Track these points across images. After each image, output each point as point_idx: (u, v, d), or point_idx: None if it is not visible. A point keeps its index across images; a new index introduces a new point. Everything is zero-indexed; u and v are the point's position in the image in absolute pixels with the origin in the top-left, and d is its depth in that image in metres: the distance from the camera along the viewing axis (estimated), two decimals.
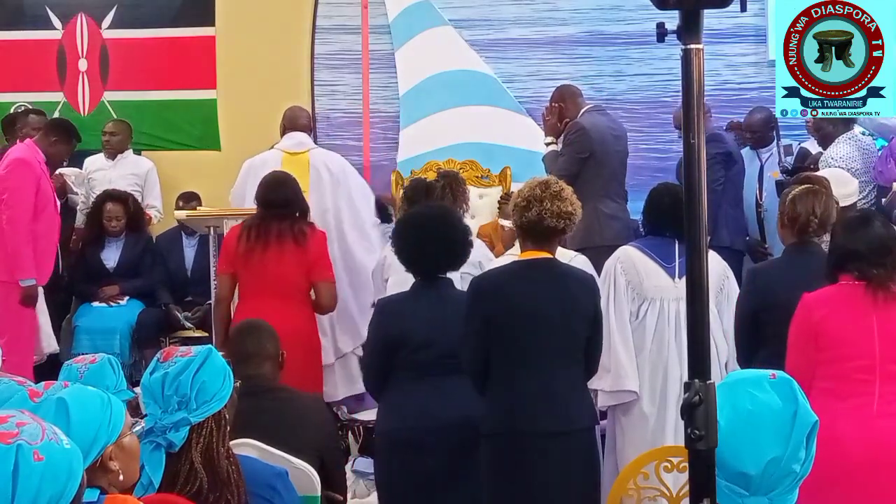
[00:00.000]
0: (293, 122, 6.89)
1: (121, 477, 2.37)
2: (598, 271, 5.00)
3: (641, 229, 5.34)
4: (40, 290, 6.71)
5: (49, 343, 6.91)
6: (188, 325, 7.51)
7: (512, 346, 4.12)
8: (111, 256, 7.68)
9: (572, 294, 4.20)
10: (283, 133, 6.91)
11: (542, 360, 4.12)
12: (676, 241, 4.75)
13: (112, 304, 7.50)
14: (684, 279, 4.53)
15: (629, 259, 4.82)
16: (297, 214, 5.83)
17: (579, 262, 4.97)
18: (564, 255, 5.10)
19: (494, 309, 4.13)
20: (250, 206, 6.19)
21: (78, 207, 7.95)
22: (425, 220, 4.58)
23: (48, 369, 6.55)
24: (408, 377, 4.38)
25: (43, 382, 2.37)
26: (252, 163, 6.77)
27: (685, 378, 4.64)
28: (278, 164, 6.58)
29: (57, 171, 7.35)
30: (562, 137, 7.01)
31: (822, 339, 3.96)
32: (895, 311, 3.95)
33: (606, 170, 6.85)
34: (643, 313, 4.77)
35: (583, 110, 7.02)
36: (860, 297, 3.97)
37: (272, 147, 6.91)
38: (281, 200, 5.79)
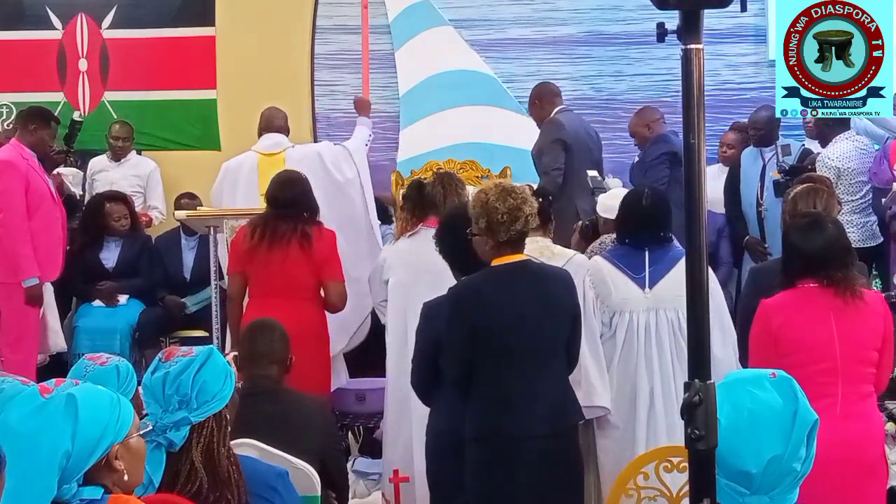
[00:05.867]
0: (269, 122, 7.00)
1: (125, 477, 2.38)
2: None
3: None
4: (50, 288, 6.70)
5: (56, 342, 6.89)
6: (190, 306, 7.50)
7: (497, 351, 4.09)
8: (110, 257, 7.67)
9: (552, 294, 4.18)
10: (259, 134, 7.02)
11: (526, 363, 4.10)
12: (647, 251, 4.71)
13: (113, 304, 7.50)
14: (655, 289, 4.62)
15: (598, 272, 4.79)
16: (306, 215, 5.81)
17: (578, 260, 4.97)
18: (564, 255, 5.09)
19: (478, 318, 4.09)
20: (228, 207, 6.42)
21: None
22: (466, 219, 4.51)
23: (51, 369, 6.56)
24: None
25: (54, 379, 2.38)
26: (228, 165, 6.91)
27: (655, 390, 4.69)
28: (254, 166, 6.74)
29: (55, 171, 7.34)
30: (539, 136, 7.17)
31: (783, 345, 4.00)
32: (854, 313, 3.98)
33: (581, 166, 6.93)
34: (614, 325, 4.74)
35: (555, 110, 7.19)
36: (817, 301, 4.00)
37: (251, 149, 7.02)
38: (288, 200, 5.77)
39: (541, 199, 5.12)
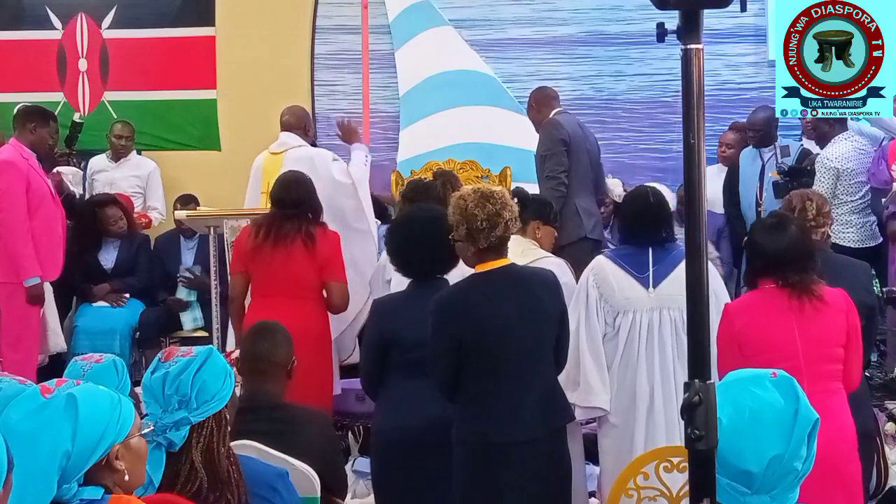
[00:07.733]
0: (280, 121, 7.04)
1: (126, 477, 2.38)
2: (585, 263, 4.98)
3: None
4: (50, 288, 6.71)
5: (56, 342, 6.89)
6: (185, 285, 7.55)
7: (483, 359, 4.07)
8: (109, 258, 7.69)
9: (537, 297, 4.15)
10: None
11: (513, 369, 4.08)
12: (650, 249, 4.71)
13: (116, 305, 7.52)
14: (658, 288, 4.62)
15: (602, 271, 4.76)
16: (310, 215, 5.81)
17: (550, 262, 4.98)
18: (535, 255, 5.09)
19: (463, 329, 4.06)
20: (252, 206, 6.35)
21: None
22: (413, 224, 4.56)
23: (51, 370, 6.56)
24: (403, 376, 4.37)
25: (55, 379, 2.38)
26: (253, 163, 7.02)
27: (655, 389, 4.68)
28: (261, 164, 6.84)
29: (54, 170, 7.34)
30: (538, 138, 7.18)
31: (747, 346, 4.00)
32: (813, 312, 3.99)
33: (579, 166, 6.94)
34: (617, 325, 4.71)
35: (553, 112, 7.21)
36: (777, 301, 4.01)
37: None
38: (292, 200, 5.78)
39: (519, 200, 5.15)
